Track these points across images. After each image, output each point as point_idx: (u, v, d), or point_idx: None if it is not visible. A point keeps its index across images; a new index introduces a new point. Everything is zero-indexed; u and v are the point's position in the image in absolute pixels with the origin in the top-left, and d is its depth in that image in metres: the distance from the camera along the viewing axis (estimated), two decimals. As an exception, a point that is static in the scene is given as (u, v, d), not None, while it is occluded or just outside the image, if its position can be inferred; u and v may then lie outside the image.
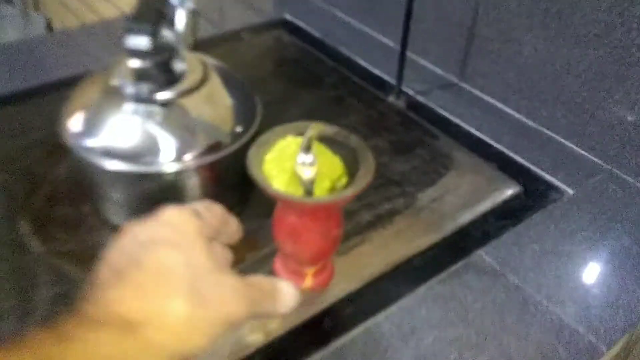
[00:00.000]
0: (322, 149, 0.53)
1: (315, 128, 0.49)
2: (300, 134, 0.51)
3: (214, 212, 0.41)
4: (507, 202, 0.69)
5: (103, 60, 0.83)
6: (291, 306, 0.39)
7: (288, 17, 0.98)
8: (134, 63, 0.54)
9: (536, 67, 0.76)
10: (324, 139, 0.53)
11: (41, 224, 0.62)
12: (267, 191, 0.48)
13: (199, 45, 0.62)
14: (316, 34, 0.95)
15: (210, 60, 0.65)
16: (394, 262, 0.61)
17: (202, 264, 0.35)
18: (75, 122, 0.59)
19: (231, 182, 0.64)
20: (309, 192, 0.50)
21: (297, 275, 0.57)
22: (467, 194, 0.69)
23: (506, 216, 0.67)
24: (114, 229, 0.61)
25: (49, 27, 2.09)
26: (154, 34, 0.52)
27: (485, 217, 0.67)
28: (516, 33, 0.76)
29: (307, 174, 0.48)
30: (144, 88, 0.55)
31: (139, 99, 0.56)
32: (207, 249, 0.36)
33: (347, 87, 0.84)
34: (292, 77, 0.86)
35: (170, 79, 0.58)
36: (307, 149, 0.48)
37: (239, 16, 1.00)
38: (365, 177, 0.49)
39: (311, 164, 0.48)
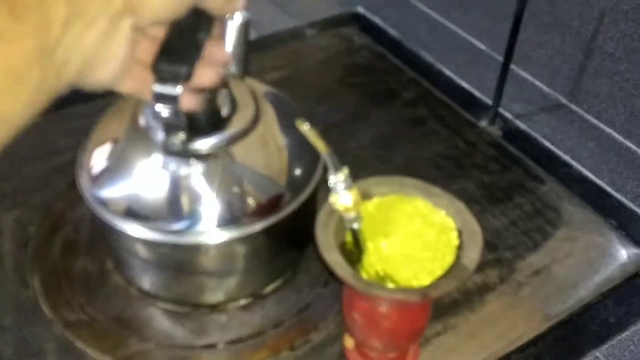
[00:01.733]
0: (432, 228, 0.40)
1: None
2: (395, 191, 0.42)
3: None
4: (630, 279, 0.54)
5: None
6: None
7: (361, 10, 0.83)
8: (164, 111, 0.42)
9: (676, 99, 0.60)
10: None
11: (55, 280, 0.52)
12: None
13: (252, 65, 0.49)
14: (393, 33, 0.80)
15: (260, 87, 0.52)
16: (485, 362, 0.48)
17: None
18: (91, 167, 0.47)
19: (287, 244, 0.51)
20: (356, 244, 0.40)
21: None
22: (580, 265, 0.55)
23: (631, 300, 0.52)
24: (143, 294, 0.50)
25: None
26: (188, 73, 0.39)
27: (603, 300, 0.52)
28: (653, 54, 0.60)
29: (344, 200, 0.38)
30: (176, 139, 0.42)
31: (170, 150, 0.43)
32: None
33: (429, 105, 0.70)
34: (363, 89, 0.72)
35: (212, 122, 0.45)
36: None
37: (309, 5, 0.85)
38: (438, 287, 0.37)
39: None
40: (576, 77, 0.68)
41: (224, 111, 0.46)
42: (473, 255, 0.38)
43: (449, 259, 0.39)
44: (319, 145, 0.37)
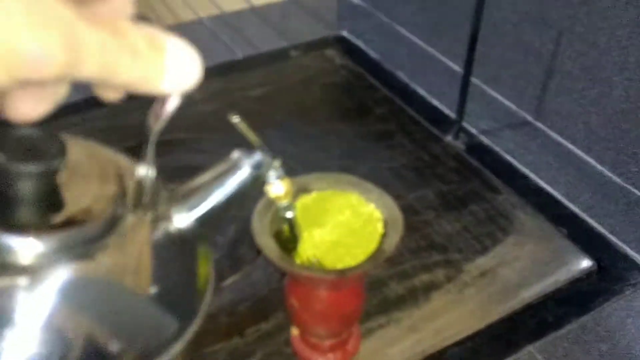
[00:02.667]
0: (362, 214, 0.44)
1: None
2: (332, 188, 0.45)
3: None
4: (574, 283, 0.56)
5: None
6: (186, 82, 0.25)
7: (345, 34, 0.88)
8: None
9: (627, 114, 0.62)
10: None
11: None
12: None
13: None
14: (373, 54, 0.84)
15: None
16: (423, 353, 0.51)
17: None
18: None
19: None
20: (292, 232, 0.43)
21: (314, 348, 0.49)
22: (526, 269, 0.57)
23: (571, 302, 0.55)
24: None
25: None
26: None
27: (544, 301, 0.55)
28: (605, 72, 0.63)
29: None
30: None
31: None
32: None
33: (399, 120, 0.74)
34: (337, 106, 0.76)
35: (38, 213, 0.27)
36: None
37: (302, 27, 0.90)
38: (354, 268, 0.40)
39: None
40: (540, 95, 0.71)
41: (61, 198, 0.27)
42: (392, 241, 0.42)
43: (372, 245, 0.42)
44: (251, 137, 0.41)
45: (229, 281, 0.55)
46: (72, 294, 0.26)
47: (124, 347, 0.27)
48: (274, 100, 0.77)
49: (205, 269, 0.32)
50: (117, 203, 0.28)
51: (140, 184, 0.29)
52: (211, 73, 0.84)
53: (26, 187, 0.25)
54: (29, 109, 0.23)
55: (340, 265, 0.42)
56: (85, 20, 0.21)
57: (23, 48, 0.19)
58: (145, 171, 0.29)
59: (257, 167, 0.32)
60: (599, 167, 0.67)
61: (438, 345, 0.51)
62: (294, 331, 0.51)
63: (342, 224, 0.44)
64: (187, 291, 0.31)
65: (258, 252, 0.56)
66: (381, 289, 0.55)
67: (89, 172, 0.28)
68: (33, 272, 0.25)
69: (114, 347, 0.27)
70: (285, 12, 0.95)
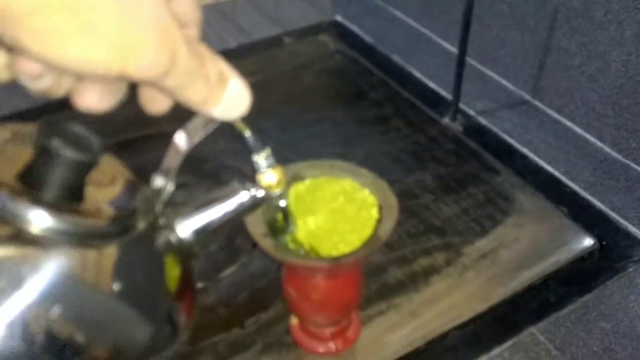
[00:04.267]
0: (355, 199, 0.44)
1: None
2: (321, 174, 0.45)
3: None
4: (575, 262, 0.55)
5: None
6: (233, 114, 0.29)
7: (339, 18, 0.87)
8: None
9: (626, 90, 0.61)
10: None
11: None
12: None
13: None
14: (368, 38, 0.83)
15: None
16: (424, 338, 0.50)
17: None
18: None
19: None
20: (285, 221, 0.42)
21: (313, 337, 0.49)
22: (526, 250, 0.56)
23: (573, 281, 0.54)
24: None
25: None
26: None
27: (545, 281, 0.54)
28: (602, 47, 0.62)
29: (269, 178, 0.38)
30: None
31: None
32: None
33: (395, 104, 0.73)
34: (332, 92, 0.75)
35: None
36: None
37: (295, 13, 0.89)
38: (348, 255, 0.40)
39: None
40: (537, 73, 0.70)
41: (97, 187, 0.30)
42: (387, 226, 0.41)
43: (367, 231, 0.42)
44: (240, 126, 0.41)
45: (227, 272, 0.55)
46: (69, 277, 0.27)
47: (106, 342, 0.29)
48: (267, 88, 0.76)
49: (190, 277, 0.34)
50: (131, 208, 0.30)
51: (157, 193, 0.32)
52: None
53: (63, 171, 0.28)
54: (96, 101, 0.27)
55: (335, 253, 0.41)
56: (185, 41, 0.25)
57: (143, 54, 0.24)
58: (163, 182, 0.33)
59: (254, 197, 0.35)
60: (599, 144, 0.66)
61: (439, 330, 0.51)
62: (294, 320, 0.50)
63: (336, 210, 0.43)
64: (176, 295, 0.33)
65: (254, 243, 0.56)
66: (380, 274, 0.54)
67: (110, 177, 0.32)
68: (40, 243, 0.27)
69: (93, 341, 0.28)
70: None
